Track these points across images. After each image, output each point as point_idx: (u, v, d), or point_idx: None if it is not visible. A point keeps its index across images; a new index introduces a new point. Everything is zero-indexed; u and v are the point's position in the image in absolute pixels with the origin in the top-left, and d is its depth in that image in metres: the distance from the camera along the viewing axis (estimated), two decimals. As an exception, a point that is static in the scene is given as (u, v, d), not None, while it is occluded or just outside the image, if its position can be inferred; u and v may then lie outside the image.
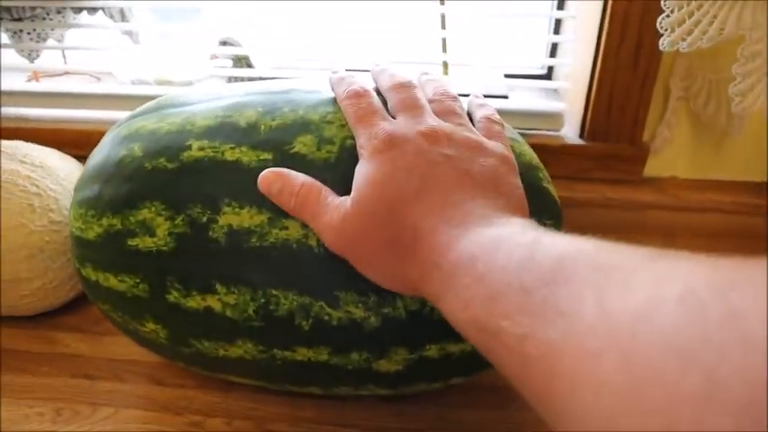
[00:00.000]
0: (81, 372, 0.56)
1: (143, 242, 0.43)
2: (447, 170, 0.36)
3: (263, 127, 0.44)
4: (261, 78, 0.68)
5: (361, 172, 0.38)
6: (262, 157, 0.42)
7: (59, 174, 0.59)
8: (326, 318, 0.42)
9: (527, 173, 0.46)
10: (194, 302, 0.43)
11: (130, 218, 0.44)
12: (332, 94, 0.46)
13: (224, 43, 0.68)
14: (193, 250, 0.42)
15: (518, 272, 0.28)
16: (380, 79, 0.45)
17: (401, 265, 0.36)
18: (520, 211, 0.38)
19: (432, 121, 0.39)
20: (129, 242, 0.44)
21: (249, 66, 0.69)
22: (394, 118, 0.40)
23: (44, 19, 0.69)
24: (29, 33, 0.70)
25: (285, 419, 0.52)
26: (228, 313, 0.43)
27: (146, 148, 0.45)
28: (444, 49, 0.66)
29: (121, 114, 0.71)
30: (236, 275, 0.42)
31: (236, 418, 0.52)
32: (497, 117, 0.45)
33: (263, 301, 0.42)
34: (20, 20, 0.69)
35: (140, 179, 0.44)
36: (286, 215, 0.41)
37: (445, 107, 0.42)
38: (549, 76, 0.77)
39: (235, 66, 0.69)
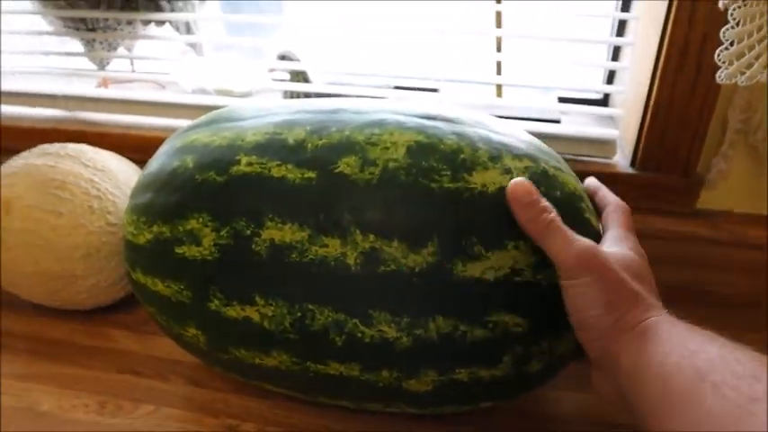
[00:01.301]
0: (127, 367, 0.59)
1: (189, 251, 0.45)
2: (647, 269, 0.44)
3: (309, 145, 0.45)
4: (317, 93, 0.70)
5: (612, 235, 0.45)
6: (306, 176, 0.44)
7: (119, 178, 0.62)
8: (359, 335, 0.43)
9: (569, 202, 0.46)
10: (234, 312, 0.45)
11: (179, 227, 0.46)
12: (379, 116, 0.47)
13: (283, 57, 0.70)
14: (236, 261, 0.44)
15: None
16: (603, 198, 0.50)
17: (613, 318, 0.40)
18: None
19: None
20: (177, 250, 0.46)
21: (306, 80, 0.71)
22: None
23: (115, 30, 0.73)
24: (101, 43, 0.74)
25: (317, 430, 0.53)
26: (266, 324, 0.44)
27: (197, 161, 0.47)
28: (499, 72, 0.67)
29: (182, 122, 0.74)
30: (275, 288, 0.43)
31: (270, 425, 0.53)
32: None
33: (299, 314, 0.43)
34: (93, 30, 0.73)
35: (190, 190, 0.46)
36: (326, 233, 0.42)
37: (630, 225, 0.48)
38: (604, 102, 0.76)
39: (292, 80, 0.71)
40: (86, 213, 0.58)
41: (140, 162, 0.67)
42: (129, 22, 0.73)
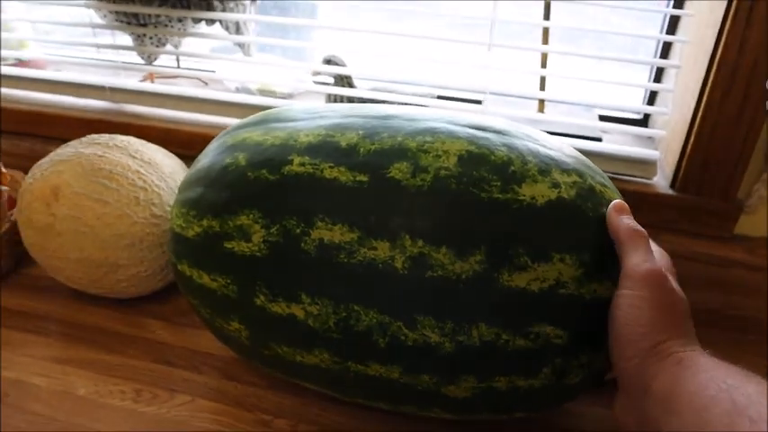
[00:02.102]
0: (162, 358, 0.60)
1: (238, 246, 0.46)
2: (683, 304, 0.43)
3: (362, 150, 0.46)
4: (361, 98, 0.70)
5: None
6: (358, 179, 0.44)
7: (164, 171, 0.63)
8: (402, 338, 0.43)
9: (615, 220, 0.46)
10: (279, 308, 0.45)
11: (229, 222, 0.47)
12: (431, 124, 0.47)
13: (329, 62, 0.71)
14: (284, 259, 0.45)
15: None
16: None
17: (648, 362, 0.40)
18: None
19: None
20: (226, 245, 0.47)
21: (351, 85, 0.72)
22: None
23: (166, 26, 0.75)
24: (151, 38, 0.76)
25: (350, 429, 0.53)
26: (310, 322, 0.45)
27: (249, 159, 0.48)
28: (542, 87, 0.67)
29: (226, 120, 0.75)
30: (322, 288, 0.44)
31: (303, 422, 0.54)
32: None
33: (344, 315, 0.44)
34: (144, 25, 0.75)
35: (242, 187, 0.47)
36: (376, 236, 0.43)
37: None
38: (644, 122, 0.77)
39: (336, 84, 0.72)
40: (132, 204, 0.59)
41: (183, 157, 0.69)
42: (180, 20, 0.75)
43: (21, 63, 0.87)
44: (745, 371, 0.37)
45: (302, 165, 0.46)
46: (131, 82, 0.79)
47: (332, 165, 0.45)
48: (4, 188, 0.65)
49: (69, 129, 0.76)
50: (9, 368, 0.58)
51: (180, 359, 0.60)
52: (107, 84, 0.77)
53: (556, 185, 0.45)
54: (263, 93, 0.78)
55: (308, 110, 0.53)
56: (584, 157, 0.51)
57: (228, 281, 0.47)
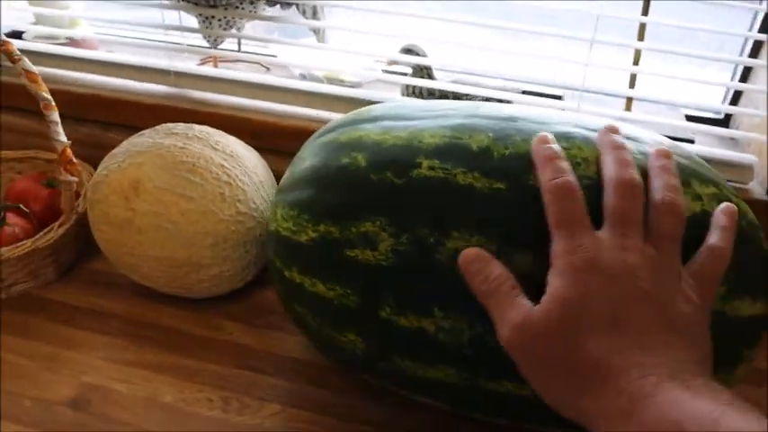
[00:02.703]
0: (245, 363, 0.57)
1: (362, 254, 0.43)
2: (645, 308, 0.34)
3: (495, 154, 0.43)
4: (441, 91, 0.67)
5: (554, 284, 0.36)
6: (495, 186, 0.42)
7: (247, 165, 0.60)
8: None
9: (753, 232, 0.44)
10: (407, 322, 0.43)
11: (351, 228, 0.44)
12: (562, 128, 0.45)
13: (408, 51, 0.68)
14: (415, 270, 0.42)
15: None
16: (607, 159, 0.40)
17: (577, 395, 0.35)
18: (707, 366, 0.35)
19: (641, 245, 0.36)
20: (347, 252, 0.44)
21: (430, 77, 0.69)
22: (601, 216, 0.38)
23: (237, 8, 0.71)
24: (219, 20, 0.71)
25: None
26: (441, 337, 0.42)
27: (370, 160, 0.45)
28: (632, 85, 0.65)
29: (296, 109, 0.71)
30: (457, 302, 0.41)
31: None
32: (726, 251, 0.39)
33: (479, 330, 0.41)
34: (214, 6, 0.70)
35: (365, 191, 0.44)
36: (516, 248, 0.40)
37: (663, 231, 0.37)
38: (725, 122, 0.74)
39: (415, 75, 0.69)
40: (217, 200, 0.56)
41: (254, 148, 0.65)
42: (252, 2, 0.71)
43: (72, 42, 0.82)
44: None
45: (432, 168, 0.43)
46: (197, 66, 0.75)
47: (465, 170, 0.43)
48: (73, 179, 0.61)
49: (130, 114, 0.72)
50: (87, 372, 0.55)
51: (264, 364, 0.57)
52: (171, 68, 0.73)
53: (698, 198, 0.42)
54: (330, 81, 0.75)
55: (421, 107, 0.50)
56: (705, 164, 0.49)
57: (349, 291, 0.44)
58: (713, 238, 0.39)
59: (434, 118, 0.47)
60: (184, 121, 0.62)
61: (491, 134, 0.44)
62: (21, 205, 0.64)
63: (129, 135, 0.62)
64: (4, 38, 0.57)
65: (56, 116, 0.58)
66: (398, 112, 0.49)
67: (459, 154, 0.43)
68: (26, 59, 0.57)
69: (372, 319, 0.44)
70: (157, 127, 0.61)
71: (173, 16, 0.76)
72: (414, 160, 0.44)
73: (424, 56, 0.68)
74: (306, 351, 0.58)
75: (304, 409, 0.53)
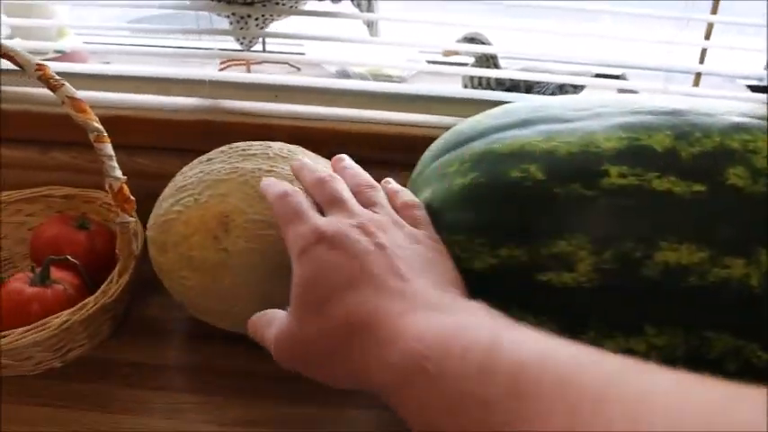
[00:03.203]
0: (361, 402, 0.51)
1: (558, 278, 0.39)
2: (380, 258, 0.35)
3: (683, 153, 0.40)
4: (511, 80, 0.63)
5: (293, 279, 0.36)
6: (694, 189, 0.39)
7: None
8: (755, 360, 0.39)
9: None
10: (614, 344, 0.39)
11: (541, 250, 0.40)
12: (732, 118, 0.43)
13: (471, 39, 0.63)
14: (622, 288, 0.39)
15: (478, 381, 0.26)
16: (301, 176, 0.44)
17: (349, 362, 0.34)
18: (460, 291, 0.37)
19: (359, 211, 0.39)
20: (539, 277, 0.40)
21: (496, 66, 0.64)
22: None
23: (277, 4, 0.62)
24: (256, 19, 0.62)
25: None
26: (652, 356, 0.39)
27: (549, 171, 0.41)
28: (702, 60, 0.64)
29: (353, 112, 0.64)
30: (671, 317, 0.39)
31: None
32: (416, 201, 0.44)
33: (695, 343, 0.39)
34: (251, 4, 0.61)
35: (552, 207, 0.40)
36: (727, 252, 0.38)
37: (367, 198, 0.41)
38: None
39: (479, 65, 0.64)
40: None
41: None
42: (294, -5, 0.62)
43: (63, 56, 0.69)
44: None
45: (623, 176, 0.40)
46: (234, 74, 0.65)
47: (658, 174, 0.39)
48: (131, 219, 0.52)
49: (159, 134, 0.62)
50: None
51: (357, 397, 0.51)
52: (206, 77, 0.63)
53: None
54: (375, 77, 0.68)
55: (564, 106, 0.46)
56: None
57: (544, 318, 0.40)
58: (398, 199, 0.43)
59: (592, 118, 0.44)
60: (231, 137, 0.55)
61: (668, 132, 0.41)
62: (68, 256, 0.54)
63: (161, 158, 0.53)
64: (38, 61, 0.47)
65: (109, 149, 0.49)
66: (548, 114, 0.45)
67: (645, 157, 0.40)
68: (68, 85, 0.47)
69: (571, 345, 0.40)
70: (224, 148, 0.53)
71: (180, 20, 0.66)
72: (598, 168, 0.40)
73: (489, 44, 0.63)
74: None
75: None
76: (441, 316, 0.32)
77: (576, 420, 0.22)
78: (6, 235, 0.64)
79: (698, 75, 0.65)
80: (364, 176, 0.44)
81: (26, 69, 0.48)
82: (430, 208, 0.44)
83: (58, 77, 0.47)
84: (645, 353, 0.39)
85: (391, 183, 0.46)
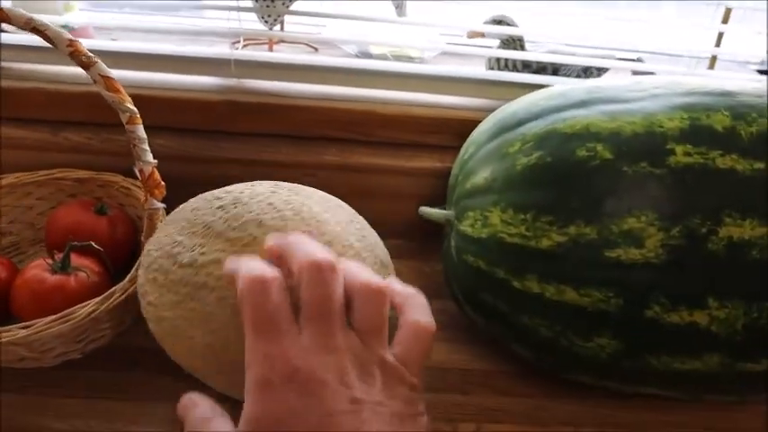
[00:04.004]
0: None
1: (626, 254, 0.40)
2: (353, 420, 0.29)
3: (742, 133, 0.42)
4: (539, 62, 0.64)
5: (247, 402, 0.29)
6: (755, 166, 0.41)
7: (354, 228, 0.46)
8: (811, 331, 0.41)
9: None
10: (677, 317, 0.41)
11: (611, 227, 0.40)
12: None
13: (499, 22, 0.63)
14: (688, 263, 0.40)
15: None
16: (291, 251, 0.32)
17: None
18: None
19: (343, 342, 0.30)
20: (607, 253, 0.40)
21: (522, 48, 0.65)
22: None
23: (306, -19, 0.60)
24: (283, -3, 0.61)
25: (654, 424, 0.50)
26: (713, 328, 0.41)
27: (616, 151, 0.41)
28: (718, 44, 0.66)
29: (383, 93, 0.63)
30: (733, 289, 0.40)
31: (607, 426, 0.50)
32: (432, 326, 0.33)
33: (755, 315, 0.40)
34: (280, -19, 0.60)
35: (622, 184, 0.41)
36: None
37: (370, 326, 0.31)
38: None
39: (506, 46, 0.64)
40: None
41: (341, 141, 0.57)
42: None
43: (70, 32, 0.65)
44: None
45: (688, 154, 0.41)
46: (260, 53, 0.63)
47: (721, 152, 0.41)
48: (161, 205, 0.50)
49: (179, 114, 0.59)
50: None
51: (438, 382, 0.52)
52: (232, 56, 0.61)
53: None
54: (397, 58, 0.68)
55: (617, 87, 0.47)
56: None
57: (611, 294, 0.41)
58: (414, 313, 0.33)
59: (650, 98, 0.45)
60: (253, 117, 0.53)
61: (726, 112, 0.43)
62: (92, 243, 0.51)
63: (182, 139, 0.51)
64: (71, 36, 0.44)
65: (141, 131, 0.46)
66: (605, 95, 0.46)
67: (707, 136, 0.42)
68: (101, 63, 0.45)
69: (635, 320, 0.41)
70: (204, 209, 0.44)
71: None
72: (664, 147, 0.41)
73: (515, 26, 0.64)
74: (460, 359, 0.54)
75: (500, 421, 0.49)
76: None
77: None
78: (14, 219, 0.60)
79: (713, 58, 0.67)
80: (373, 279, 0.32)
81: (57, 45, 0.45)
82: (491, 188, 0.45)
83: (90, 54, 0.44)
84: (706, 325, 0.41)
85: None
